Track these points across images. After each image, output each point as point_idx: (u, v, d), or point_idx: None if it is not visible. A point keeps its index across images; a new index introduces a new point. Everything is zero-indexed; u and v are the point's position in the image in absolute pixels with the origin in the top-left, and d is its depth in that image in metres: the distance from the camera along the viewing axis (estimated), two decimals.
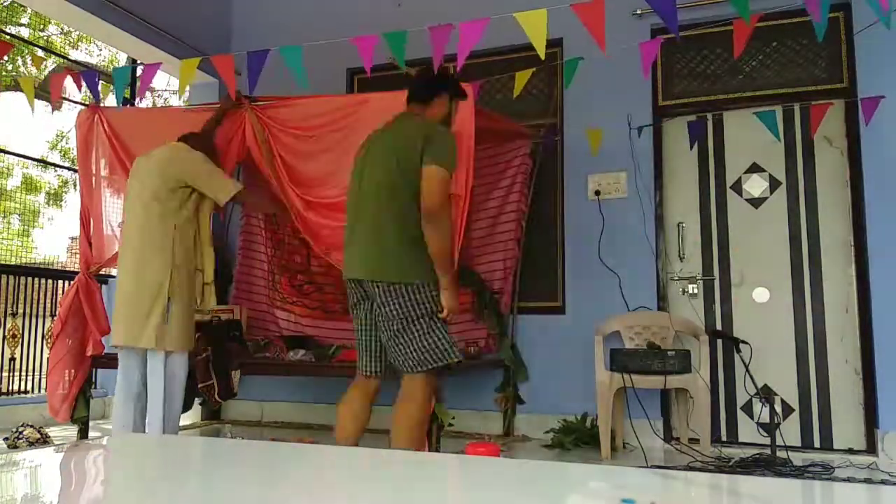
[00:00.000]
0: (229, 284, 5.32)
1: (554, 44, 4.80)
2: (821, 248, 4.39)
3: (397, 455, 1.37)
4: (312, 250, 4.47)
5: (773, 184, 4.56)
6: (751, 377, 3.74)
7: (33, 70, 10.65)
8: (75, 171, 4.65)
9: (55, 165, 12.33)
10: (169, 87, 13.51)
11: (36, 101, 4.18)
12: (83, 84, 4.21)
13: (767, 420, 4.03)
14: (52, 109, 4.61)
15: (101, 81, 5.87)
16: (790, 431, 4.29)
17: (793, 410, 4.35)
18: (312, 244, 3.95)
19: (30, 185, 11.73)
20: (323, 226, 3.84)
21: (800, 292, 4.41)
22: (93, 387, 4.51)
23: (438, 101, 3.03)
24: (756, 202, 4.58)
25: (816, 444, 4.29)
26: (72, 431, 4.40)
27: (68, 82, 4.88)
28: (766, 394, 4.32)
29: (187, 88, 5.77)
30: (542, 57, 3.24)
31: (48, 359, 4.65)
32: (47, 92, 4.78)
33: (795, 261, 4.44)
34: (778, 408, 4.34)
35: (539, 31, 3.20)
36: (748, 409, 4.45)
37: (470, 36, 3.35)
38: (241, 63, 4.00)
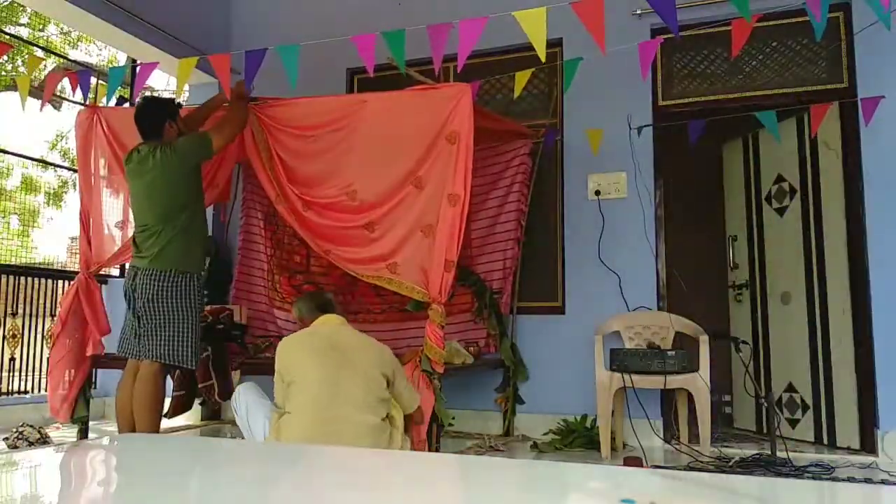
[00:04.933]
0: (229, 284, 5.32)
1: (554, 44, 4.79)
2: (823, 248, 4.39)
3: (397, 455, 1.37)
4: (312, 250, 4.47)
5: (777, 184, 4.56)
6: (751, 377, 3.75)
7: (25, 71, 10.63)
8: (75, 171, 4.65)
9: (55, 165, 12.32)
10: (168, 86, 13.50)
11: (30, 99, 4.17)
12: (79, 85, 4.21)
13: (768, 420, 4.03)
14: (41, 107, 4.60)
15: (100, 81, 5.88)
16: (788, 431, 4.30)
17: (798, 408, 4.36)
18: (311, 244, 3.94)
19: (29, 186, 11.71)
20: (322, 225, 3.83)
21: (809, 292, 4.42)
22: (93, 387, 4.50)
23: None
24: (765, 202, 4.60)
25: (817, 442, 4.29)
26: (72, 431, 4.40)
27: (65, 83, 4.87)
28: (768, 393, 4.32)
29: (186, 88, 5.77)
30: (543, 58, 3.23)
31: (48, 359, 4.64)
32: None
33: (805, 262, 4.45)
34: (786, 408, 4.34)
35: (538, 30, 3.20)
36: (749, 408, 4.45)
37: (469, 35, 3.35)
38: (238, 62, 4.00)
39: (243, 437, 3.20)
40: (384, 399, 2.92)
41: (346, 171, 3.80)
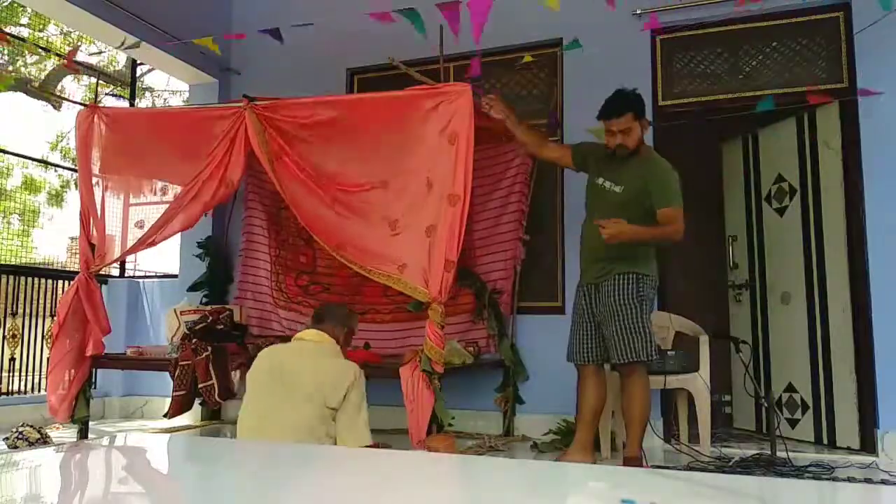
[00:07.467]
0: (229, 284, 5.32)
1: (553, 44, 4.79)
2: (823, 248, 4.39)
3: (397, 455, 1.38)
4: (319, 251, 4.44)
5: (780, 184, 4.56)
6: (751, 377, 3.75)
7: (26, 72, 10.58)
8: (75, 171, 4.65)
9: (55, 165, 12.33)
10: (169, 86, 13.52)
11: (33, 100, 4.19)
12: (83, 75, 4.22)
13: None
14: (68, 64, 4.49)
15: (99, 81, 5.87)
16: (788, 431, 4.30)
17: (798, 408, 4.36)
18: (322, 241, 3.88)
19: (30, 185, 11.72)
20: (332, 223, 3.79)
21: (809, 292, 4.42)
22: (93, 387, 4.50)
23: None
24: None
25: (817, 443, 4.29)
26: (72, 431, 4.40)
27: (66, 82, 4.87)
28: (768, 393, 4.32)
29: (186, 88, 5.76)
30: (556, 6, 3.19)
31: (48, 359, 4.64)
32: (48, 93, 4.78)
33: (805, 262, 4.45)
34: (788, 407, 4.34)
35: None
36: (749, 408, 4.45)
37: (479, 14, 3.34)
38: (241, 54, 4.00)
39: None
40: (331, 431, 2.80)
41: (349, 171, 3.79)
